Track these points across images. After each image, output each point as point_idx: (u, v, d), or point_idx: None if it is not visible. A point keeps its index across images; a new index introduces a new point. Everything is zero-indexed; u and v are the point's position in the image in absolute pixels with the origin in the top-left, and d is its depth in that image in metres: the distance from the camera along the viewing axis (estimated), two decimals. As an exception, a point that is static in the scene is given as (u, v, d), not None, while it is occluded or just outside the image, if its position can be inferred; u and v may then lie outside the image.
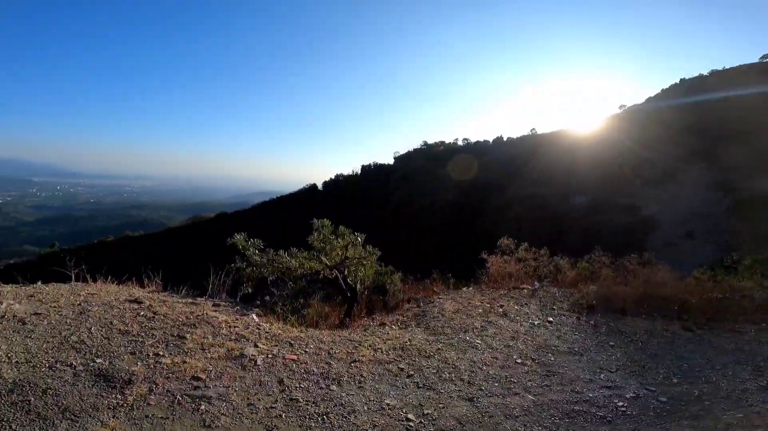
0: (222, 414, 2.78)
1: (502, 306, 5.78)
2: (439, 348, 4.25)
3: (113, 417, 2.68)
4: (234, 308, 5.22)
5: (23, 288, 4.86)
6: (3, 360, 3.08)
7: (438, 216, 63.38)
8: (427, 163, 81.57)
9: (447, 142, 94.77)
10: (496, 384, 3.55)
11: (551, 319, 5.33)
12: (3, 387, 2.82)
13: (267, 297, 7.03)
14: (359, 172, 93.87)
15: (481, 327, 4.97)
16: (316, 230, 6.60)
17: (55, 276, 5.77)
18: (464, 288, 6.98)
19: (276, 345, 3.93)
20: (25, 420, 2.57)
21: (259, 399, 3.00)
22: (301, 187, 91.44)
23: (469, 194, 65.00)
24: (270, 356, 3.67)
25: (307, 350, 3.91)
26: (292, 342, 4.07)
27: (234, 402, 2.92)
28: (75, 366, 3.14)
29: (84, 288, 5.06)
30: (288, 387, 3.21)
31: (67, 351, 3.32)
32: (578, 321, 5.36)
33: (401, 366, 3.76)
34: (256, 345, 3.83)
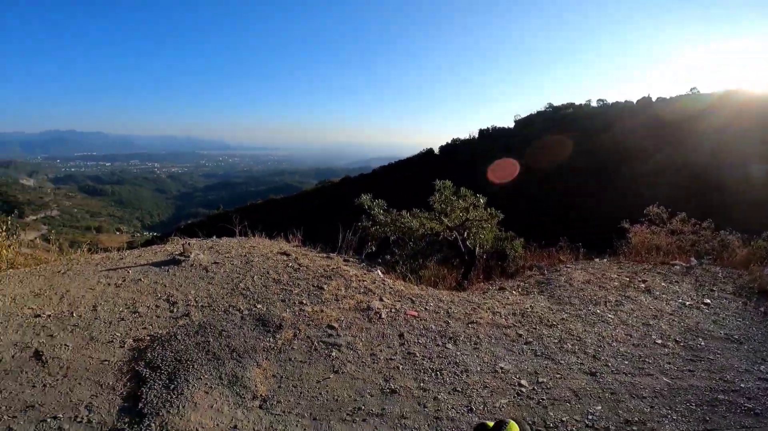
0: (348, 361, 3.09)
1: (644, 281, 5.13)
2: (563, 318, 4.04)
3: (266, 359, 3.03)
4: (360, 264, 5.74)
5: (204, 241, 6.15)
6: (192, 303, 3.91)
7: (565, 183, 57.44)
8: (552, 125, 73.73)
9: (577, 103, 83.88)
10: (626, 362, 3.24)
11: (708, 301, 4.54)
12: (191, 328, 3.37)
13: (388, 256, 7.48)
14: (476, 136, 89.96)
15: (616, 301, 4.51)
16: (437, 191, 6.62)
17: (223, 231, 7.12)
18: (597, 259, 6.35)
19: (399, 301, 4.24)
20: (204, 360, 2.95)
21: (381, 350, 3.26)
22: (418, 151, 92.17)
23: (603, 160, 57.02)
24: (393, 311, 3.98)
25: (427, 308, 4.11)
26: (414, 299, 4.32)
27: (359, 351, 3.22)
28: (242, 311, 3.78)
29: (247, 242, 6.15)
30: (407, 341, 3.42)
31: (236, 297, 4.08)
32: (744, 306, 4.45)
33: (520, 332, 3.70)
34: (381, 299, 4.19)
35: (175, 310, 3.80)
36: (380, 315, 3.84)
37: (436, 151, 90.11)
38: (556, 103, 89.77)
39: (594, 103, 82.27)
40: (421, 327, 3.70)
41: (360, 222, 6.57)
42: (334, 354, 3.19)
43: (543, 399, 2.73)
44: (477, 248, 6.50)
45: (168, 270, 4.72)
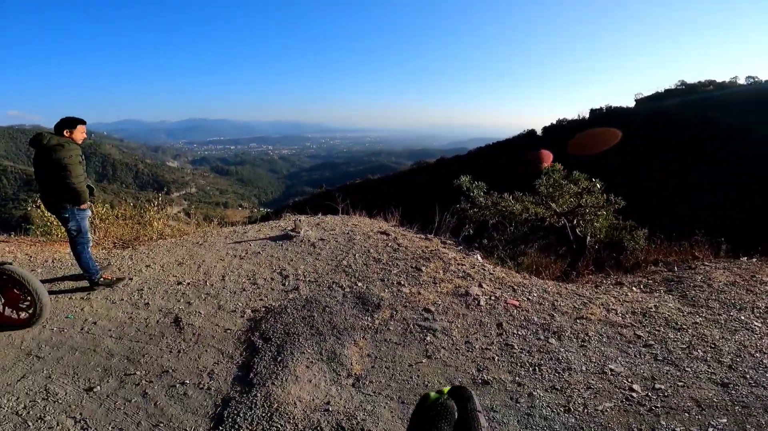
0: (442, 347, 3.04)
1: (812, 287, 4.12)
2: (696, 322, 3.46)
3: (363, 337, 3.11)
4: (458, 247, 5.64)
5: (311, 218, 6.66)
6: (301, 278, 4.21)
7: (708, 169, 48.29)
8: (683, 105, 61.98)
9: (720, 81, 68.89)
10: (770, 376, 2.65)
11: None
12: (299, 302, 3.58)
13: (485, 241, 7.18)
14: (587, 116, 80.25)
15: (767, 308, 3.72)
16: (545, 174, 6.12)
17: (328, 209, 7.57)
18: (744, 258, 5.30)
19: (499, 288, 4.07)
20: (308, 334, 3.10)
21: (477, 339, 3.15)
22: (518, 133, 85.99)
23: (758, 143, 46.40)
24: (493, 298, 3.83)
25: (530, 298, 3.88)
26: (515, 287, 4.11)
27: (454, 338, 3.14)
28: (344, 288, 3.95)
29: (349, 220, 6.51)
30: (505, 332, 3.24)
31: (339, 274, 4.30)
32: None
33: (638, 333, 3.27)
34: (480, 285, 4.07)
35: (286, 284, 4.16)
36: (478, 301, 3.73)
37: (539, 132, 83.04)
38: (689, 80, 75.36)
39: (741, 80, 66.92)
40: (522, 318, 3.49)
41: (459, 205, 6.41)
42: (428, 338, 3.16)
43: (656, 407, 2.40)
44: (588, 237, 5.88)
45: (282, 245, 5.25)
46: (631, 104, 76.39)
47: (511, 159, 67.43)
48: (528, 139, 79.20)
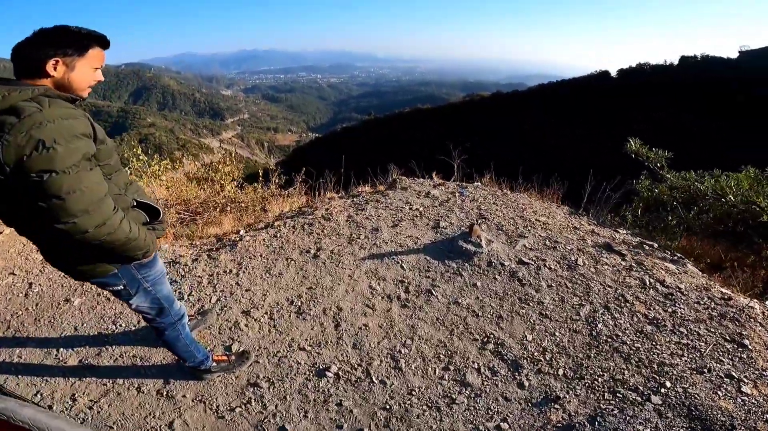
0: None
1: None
2: None
3: None
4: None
5: (453, 191, 4.50)
6: (547, 369, 2.41)
7: None
8: None
9: None
10: None
11: None
12: None
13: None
14: (676, 62, 67.92)
15: None
16: None
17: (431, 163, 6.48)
18: None
19: None
20: None
21: None
22: (587, 73, 75.43)
23: None
24: None
25: None
26: None
27: None
28: (644, 395, 2.06)
29: (514, 201, 3.78)
30: None
31: (608, 357, 2.40)
32: None
33: None
34: None
35: (526, 384, 2.15)
36: None
37: (613, 73, 72.41)
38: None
39: None
40: None
41: (638, 180, 4.84)
42: None
43: None
44: None
45: (461, 274, 2.96)
46: (734, 55, 63.40)
47: (583, 101, 60.25)
48: (600, 80, 69.62)
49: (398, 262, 3.07)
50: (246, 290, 2.77)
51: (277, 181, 5.48)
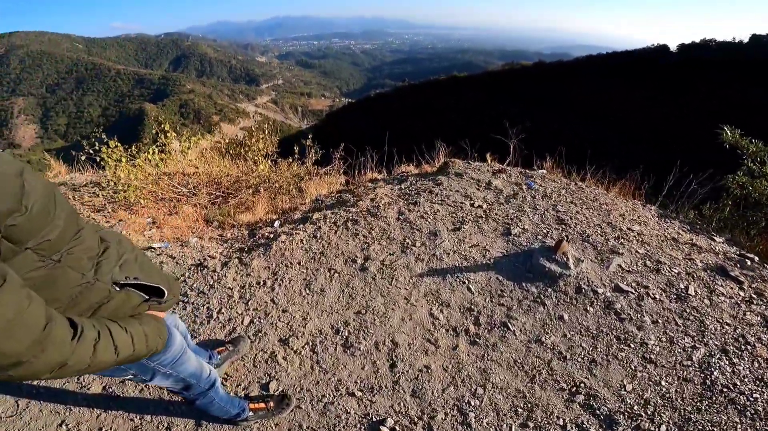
0: None
1: None
2: None
3: None
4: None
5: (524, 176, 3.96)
6: None
7: None
8: None
9: None
10: None
11: None
12: None
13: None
14: (746, 40, 59.79)
15: None
16: None
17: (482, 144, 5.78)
18: None
19: None
20: None
21: None
22: (641, 46, 67.75)
23: None
24: None
25: None
26: None
27: None
28: None
29: (578, 195, 3.47)
30: None
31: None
32: None
33: None
34: None
35: None
36: None
37: (673, 48, 64.79)
38: None
39: None
40: None
41: (735, 176, 4.17)
42: None
43: None
44: None
45: (542, 302, 2.38)
46: None
47: (641, 75, 54.85)
48: (658, 53, 63.09)
49: (464, 282, 2.50)
50: (283, 311, 2.30)
51: (313, 157, 4.96)
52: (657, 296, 2.38)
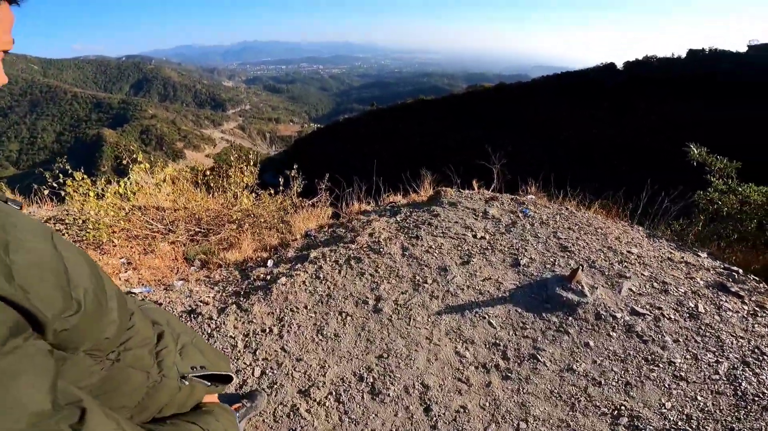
0: None
1: None
2: None
3: None
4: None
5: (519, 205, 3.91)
6: None
7: None
8: None
9: None
10: None
11: None
12: None
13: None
14: (683, 55, 66.24)
15: None
16: None
17: (469, 171, 5.74)
18: None
19: None
20: None
21: None
22: (592, 65, 73.20)
23: None
24: None
25: None
26: None
27: None
28: None
29: (575, 219, 3.42)
30: None
31: None
32: None
33: None
34: None
35: None
36: None
37: (620, 66, 70.65)
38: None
39: None
40: None
41: (706, 192, 4.41)
42: None
43: None
44: None
45: (565, 332, 2.29)
46: (742, 49, 61.84)
47: (589, 95, 58.92)
48: (606, 73, 68.25)
49: (484, 317, 2.39)
50: (297, 359, 2.09)
51: (298, 188, 4.76)
52: (672, 316, 2.43)
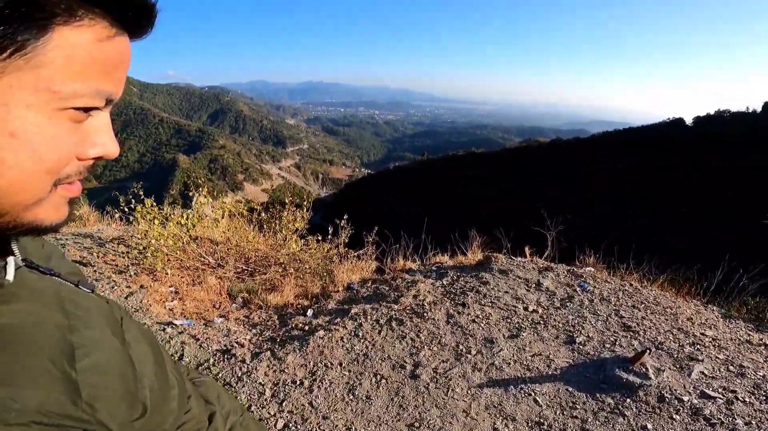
0: None
1: None
2: None
3: None
4: None
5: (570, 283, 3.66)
6: None
7: None
8: None
9: None
10: None
11: None
12: None
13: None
14: (759, 109, 61.76)
15: None
16: None
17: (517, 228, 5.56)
18: None
19: None
20: None
21: None
22: (656, 121, 69.73)
23: None
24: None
25: None
26: None
27: None
28: None
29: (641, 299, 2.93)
30: None
31: None
32: None
33: None
34: None
35: None
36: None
37: (689, 121, 66.81)
38: None
39: None
40: None
41: None
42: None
43: None
44: None
45: (620, 414, 1.99)
46: None
47: (655, 150, 55.88)
48: (673, 128, 64.89)
49: (530, 394, 2.16)
50: (324, 417, 1.96)
51: (345, 239, 4.77)
52: (746, 399, 2.13)
